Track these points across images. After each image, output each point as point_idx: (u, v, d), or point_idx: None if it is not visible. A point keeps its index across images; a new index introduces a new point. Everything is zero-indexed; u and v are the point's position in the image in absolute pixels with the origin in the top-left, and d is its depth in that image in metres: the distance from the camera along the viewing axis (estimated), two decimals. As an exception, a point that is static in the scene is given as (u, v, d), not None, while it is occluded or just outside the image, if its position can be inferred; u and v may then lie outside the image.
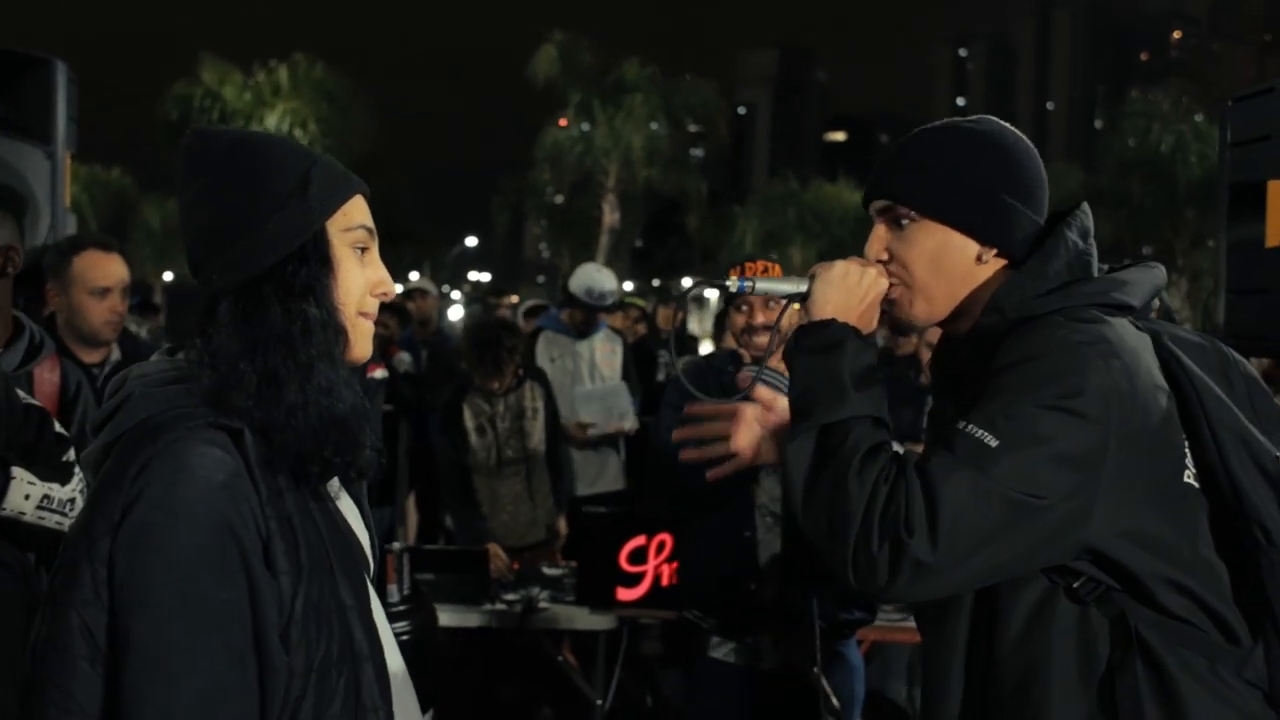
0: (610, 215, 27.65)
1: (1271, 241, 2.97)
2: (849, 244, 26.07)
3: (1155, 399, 1.42)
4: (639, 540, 3.69)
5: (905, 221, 1.58)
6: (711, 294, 43.87)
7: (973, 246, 1.56)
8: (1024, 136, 1.62)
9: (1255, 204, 2.98)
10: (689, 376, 3.31)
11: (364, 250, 1.35)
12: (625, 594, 3.71)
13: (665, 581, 3.68)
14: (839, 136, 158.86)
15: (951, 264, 1.56)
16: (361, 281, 1.34)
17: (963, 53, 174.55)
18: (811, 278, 1.60)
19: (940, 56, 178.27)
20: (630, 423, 5.30)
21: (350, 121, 24.30)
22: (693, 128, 30.24)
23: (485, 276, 54.93)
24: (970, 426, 1.38)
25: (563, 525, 4.59)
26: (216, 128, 1.39)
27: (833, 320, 1.54)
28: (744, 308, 3.17)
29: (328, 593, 1.25)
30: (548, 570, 4.20)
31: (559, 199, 32.32)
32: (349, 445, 1.30)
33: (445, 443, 4.45)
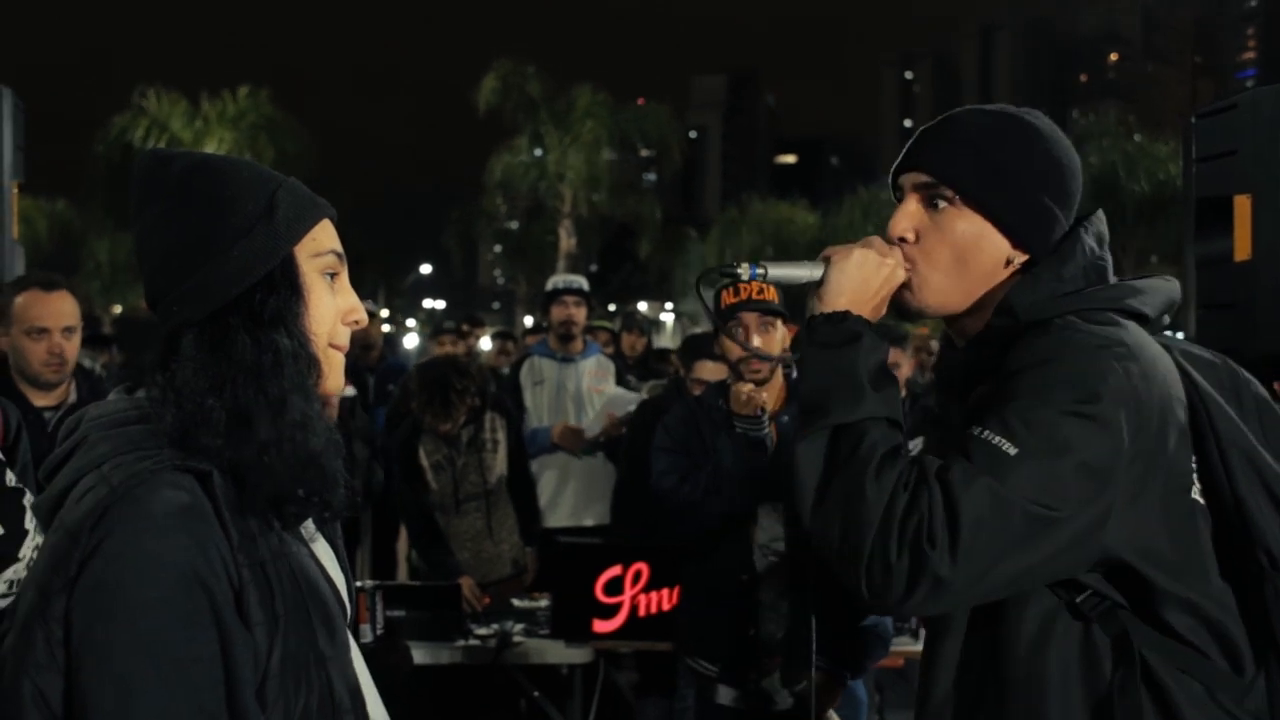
0: (567, 241, 27.63)
1: (1239, 255, 2.99)
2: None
3: (1173, 409, 1.38)
4: (615, 570, 3.62)
5: (942, 203, 1.48)
6: (668, 318, 43.63)
7: (1005, 248, 1.49)
8: (1069, 142, 1.55)
9: (1222, 219, 3.00)
10: (678, 421, 3.22)
11: (334, 276, 1.28)
12: (602, 625, 3.63)
13: (642, 612, 3.61)
14: (789, 159, 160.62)
15: (980, 260, 1.48)
16: (333, 309, 1.27)
17: (908, 75, 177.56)
18: (826, 261, 1.50)
19: (886, 79, 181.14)
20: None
21: (283, 151, 23.96)
22: (645, 153, 30.35)
23: (440, 304, 54.67)
24: (986, 433, 1.32)
25: (530, 560, 4.46)
26: (173, 150, 1.31)
27: (848, 313, 1.45)
28: (738, 332, 3.05)
29: (305, 644, 1.17)
30: (519, 603, 4.11)
31: (513, 225, 32.23)
32: (325, 483, 1.22)
33: (404, 484, 4.33)
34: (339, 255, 1.28)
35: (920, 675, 1.57)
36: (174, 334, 1.20)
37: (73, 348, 3.04)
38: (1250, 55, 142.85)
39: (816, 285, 1.49)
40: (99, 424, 1.19)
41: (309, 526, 1.29)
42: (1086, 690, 1.37)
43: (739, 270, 1.50)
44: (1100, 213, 1.55)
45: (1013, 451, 1.29)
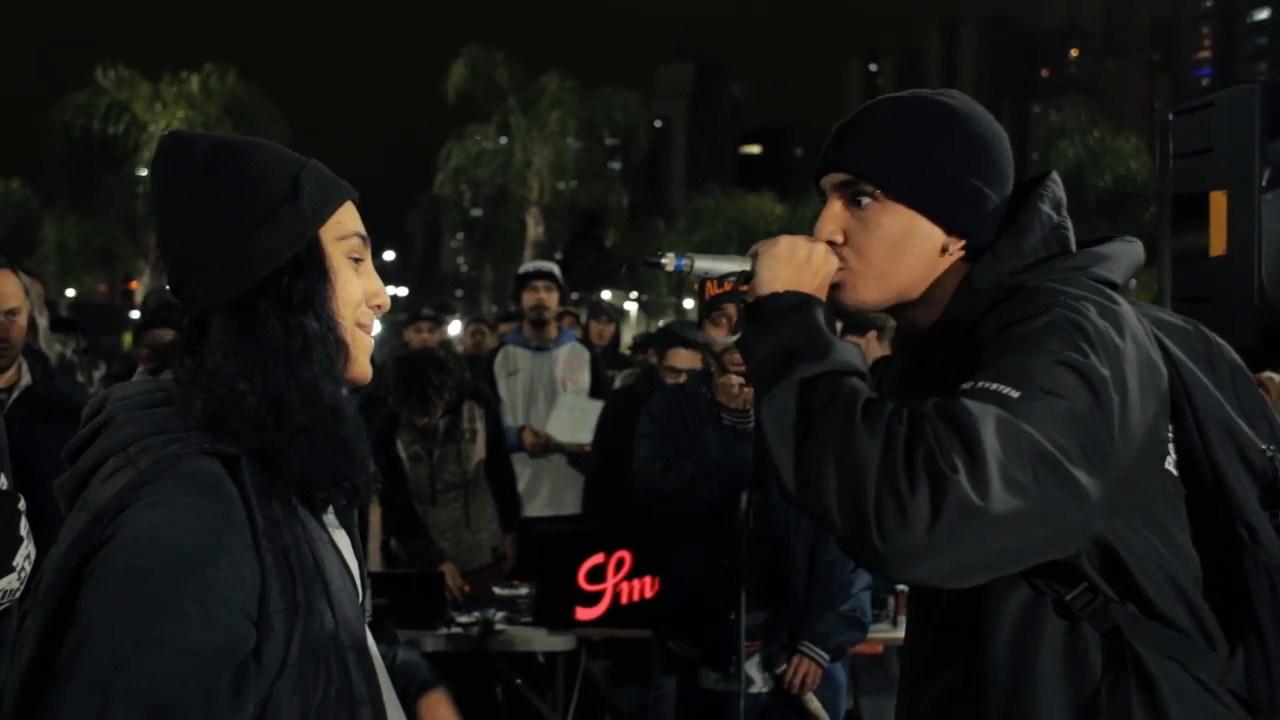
0: (535, 229, 27.53)
1: (1214, 250, 3.06)
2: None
3: (1156, 369, 1.31)
4: (597, 558, 3.63)
5: (865, 200, 1.42)
6: (632, 307, 43.69)
7: (939, 236, 1.42)
8: (991, 115, 1.48)
9: (1198, 214, 3.06)
10: (661, 409, 3.24)
11: (358, 260, 1.27)
12: (584, 613, 3.64)
13: (625, 599, 3.63)
14: (754, 149, 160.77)
15: (914, 253, 1.42)
16: (359, 292, 1.26)
17: (873, 68, 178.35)
18: (754, 256, 1.42)
19: (851, 71, 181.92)
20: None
21: (256, 133, 23.62)
22: (610, 140, 30.28)
23: (402, 291, 54.25)
24: (983, 383, 1.21)
25: (510, 547, 4.46)
26: (196, 131, 1.29)
27: (787, 290, 1.36)
28: (723, 321, 3.06)
29: (325, 633, 1.17)
30: (500, 591, 4.11)
31: (476, 213, 32.04)
32: (353, 469, 1.22)
33: (382, 475, 4.30)
34: (363, 238, 1.28)
35: (901, 664, 1.57)
36: (200, 317, 1.19)
37: (18, 329, 2.94)
38: (1206, 54, 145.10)
39: (748, 277, 1.42)
40: (125, 405, 1.18)
41: (330, 514, 1.28)
42: (1071, 687, 1.32)
43: (664, 260, 1.44)
44: (1054, 174, 1.48)
45: (1015, 394, 1.18)
